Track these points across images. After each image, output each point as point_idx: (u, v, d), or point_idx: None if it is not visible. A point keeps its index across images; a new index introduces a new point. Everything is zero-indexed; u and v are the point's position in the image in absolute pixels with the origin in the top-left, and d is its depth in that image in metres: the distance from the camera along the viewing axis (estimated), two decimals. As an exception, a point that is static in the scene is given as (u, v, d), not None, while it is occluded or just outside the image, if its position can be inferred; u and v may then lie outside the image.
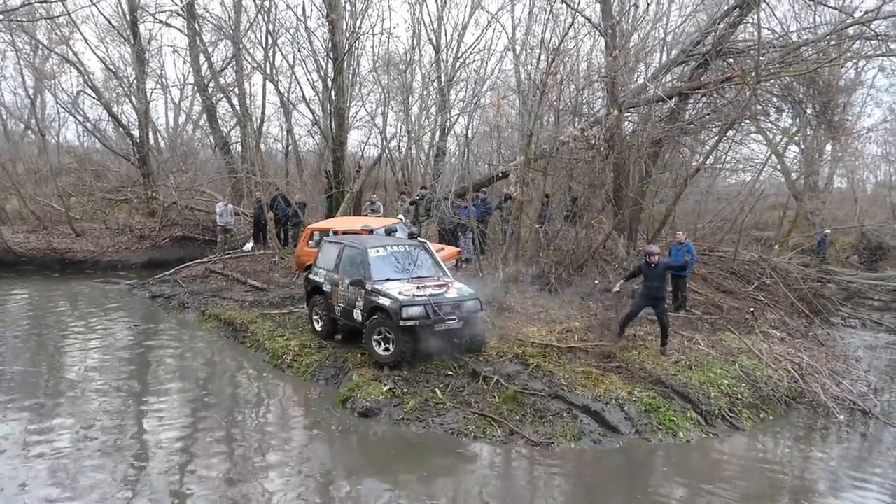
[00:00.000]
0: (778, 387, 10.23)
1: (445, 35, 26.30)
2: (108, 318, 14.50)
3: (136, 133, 24.35)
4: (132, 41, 23.91)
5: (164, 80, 32.27)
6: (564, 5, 17.91)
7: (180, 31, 26.02)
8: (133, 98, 24.91)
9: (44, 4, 18.07)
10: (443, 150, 25.99)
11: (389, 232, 13.80)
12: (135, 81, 24.75)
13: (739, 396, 9.78)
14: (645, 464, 8.30)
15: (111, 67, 26.05)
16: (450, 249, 14.88)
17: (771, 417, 9.76)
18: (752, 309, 14.02)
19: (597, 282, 14.28)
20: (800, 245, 24.26)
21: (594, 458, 8.31)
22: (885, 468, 8.64)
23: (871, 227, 28.23)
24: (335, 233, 14.04)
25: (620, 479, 8.02)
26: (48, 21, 23.20)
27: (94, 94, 24.85)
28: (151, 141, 27.04)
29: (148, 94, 25.83)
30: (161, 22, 25.48)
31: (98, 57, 28.73)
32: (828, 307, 16.74)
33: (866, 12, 14.65)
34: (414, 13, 24.95)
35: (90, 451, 7.95)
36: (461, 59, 26.52)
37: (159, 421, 9.03)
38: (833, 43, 16.10)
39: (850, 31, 15.53)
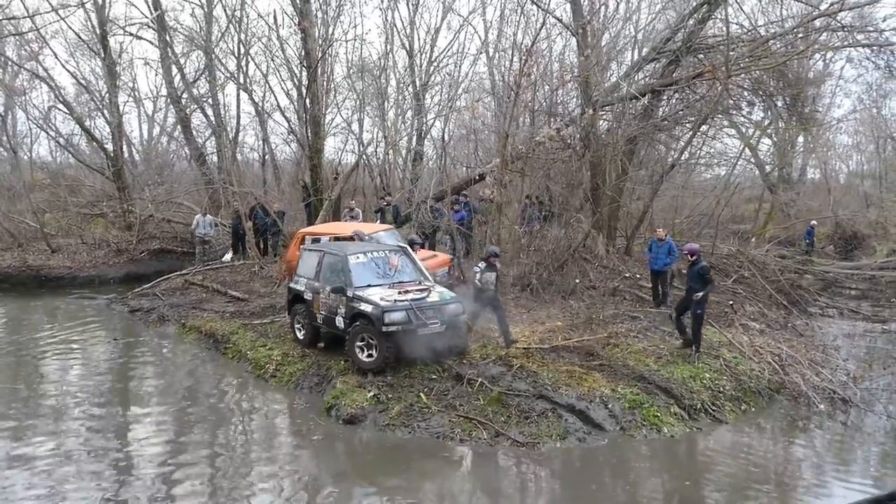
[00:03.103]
0: (759, 379, 10.35)
1: (418, 39, 26.34)
2: (87, 334, 14.30)
3: (109, 147, 23.99)
4: (103, 55, 23.60)
5: (136, 93, 31.90)
6: (535, 6, 18.04)
7: (151, 43, 25.87)
8: (105, 112, 24.57)
9: (12, 21, 17.82)
10: (420, 155, 25.98)
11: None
12: (107, 95, 24.41)
13: (722, 390, 9.85)
14: (630, 460, 8.34)
15: (82, 82, 25.70)
16: (442, 256, 14.83)
17: (753, 409, 9.85)
18: (731, 302, 14.16)
19: (578, 281, 14.34)
20: (776, 237, 24.56)
21: (580, 457, 8.34)
22: (867, 455, 8.78)
23: (845, 216, 28.68)
24: (316, 239, 13.92)
25: (607, 476, 8.06)
26: (17, 37, 22.89)
27: (65, 109, 24.48)
28: (126, 154, 26.66)
29: (121, 108, 25.53)
30: (131, 34, 25.22)
31: (69, 71, 28.29)
32: (805, 298, 16.95)
33: (832, 3, 14.85)
34: (386, 18, 24.95)
35: (71, 467, 7.83)
36: (435, 63, 26.57)
37: (142, 435, 8.92)
38: (801, 35, 16.36)
39: (817, 23, 15.80)
